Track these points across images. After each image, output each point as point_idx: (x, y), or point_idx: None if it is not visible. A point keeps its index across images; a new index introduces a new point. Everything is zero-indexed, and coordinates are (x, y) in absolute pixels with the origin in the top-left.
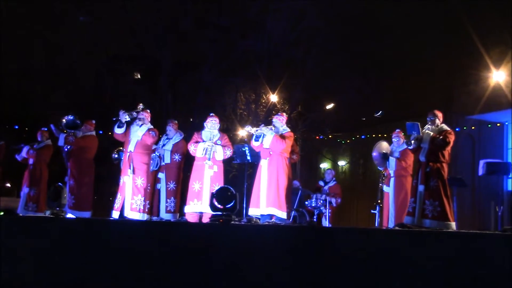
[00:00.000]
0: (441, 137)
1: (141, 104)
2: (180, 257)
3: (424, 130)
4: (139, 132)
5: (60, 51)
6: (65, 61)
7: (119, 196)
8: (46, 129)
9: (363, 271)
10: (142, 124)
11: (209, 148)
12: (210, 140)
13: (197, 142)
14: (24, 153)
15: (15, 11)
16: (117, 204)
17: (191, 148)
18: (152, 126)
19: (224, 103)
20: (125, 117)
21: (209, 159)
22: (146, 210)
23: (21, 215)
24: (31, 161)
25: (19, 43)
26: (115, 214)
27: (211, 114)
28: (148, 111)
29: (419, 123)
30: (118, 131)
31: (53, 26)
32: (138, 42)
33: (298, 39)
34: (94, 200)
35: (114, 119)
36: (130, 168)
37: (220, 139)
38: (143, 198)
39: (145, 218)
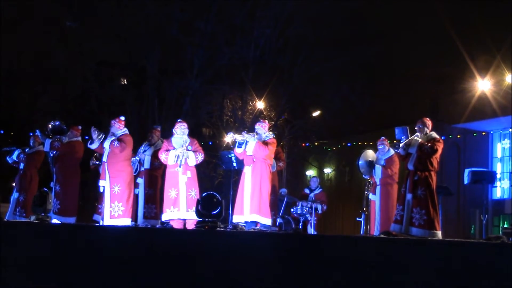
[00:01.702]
0: (429, 144)
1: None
2: (166, 264)
3: (413, 137)
4: (106, 145)
5: (47, 56)
6: (51, 66)
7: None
8: (39, 134)
9: (349, 278)
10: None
11: (181, 155)
12: (181, 146)
13: (168, 150)
14: (15, 157)
15: (2, 15)
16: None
17: (162, 156)
18: (123, 134)
19: (210, 110)
20: (97, 136)
21: (180, 166)
22: (127, 215)
23: (6, 220)
24: (21, 165)
25: (6, 48)
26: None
27: (178, 120)
28: (122, 118)
29: (408, 127)
30: (92, 147)
31: (41, 31)
32: (125, 48)
33: (284, 46)
34: (79, 206)
35: (86, 137)
36: (104, 179)
37: (191, 145)
38: (120, 204)
39: (128, 223)
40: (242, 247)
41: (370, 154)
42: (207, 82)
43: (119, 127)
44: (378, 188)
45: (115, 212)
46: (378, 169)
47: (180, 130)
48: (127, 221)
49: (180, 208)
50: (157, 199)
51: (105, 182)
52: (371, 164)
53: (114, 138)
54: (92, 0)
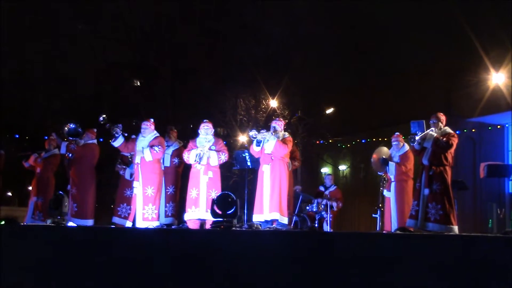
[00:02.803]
0: (444, 139)
1: (103, 115)
2: (182, 264)
3: (428, 131)
4: (145, 154)
5: (60, 59)
6: (65, 69)
7: (131, 206)
8: (55, 137)
9: (366, 275)
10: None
11: (201, 153)
12: (203, 146)
13: (191, 149)
14: (31, 161)
15: (15, 18)
16: (128, 213)
17: (185, 156)
18: (155, 137)
19: (224, 109)
20: (116, 131)
21: (199, 163)
22: (157, 218)
23: (24, 223)
24: (38, 169)
25: (19, 51)
26: (128, 223)
27: (204, 120)
28: (152, 120)
29: (424, 121)
30: (116, 144)
31: (53, 34)
32: (137, 50)
33: (296, 44)
34: (95, 208)
35: (101, 139)
36: (138, 180)
37: (215, 144)
38: (154, 206)
39: (156, 225)
40: (258, 246)
41: (384, 151)
42: (220, 82)
43: (152, 130)
44: (393, 185)
45: (148, 215)
46: (392, 166)
47: (204, 130)
48: (156, 224)
49: (200, 208)
50: (177, 198)
51: (138, 184)
52: (385, 162)
53: (152, 145)
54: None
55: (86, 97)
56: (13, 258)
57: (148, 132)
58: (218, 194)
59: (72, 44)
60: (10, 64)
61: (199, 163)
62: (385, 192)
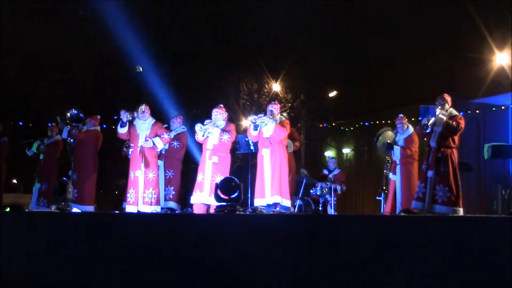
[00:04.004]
0: (454, 122)
1: (143, 105)
2: (186, 249)
3: (437, 114)
4: (156, 142)
5: (61, 46)
6: (66, 55)
7: (132, 190)
8: (57, 123)
9: (371, 257)
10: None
11: (206, 127)
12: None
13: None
14: (34, 149)
15: (16, 6)
16: (132, 199)
17: (196, 135)
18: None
19: (226, 93)
20: (126, 117)
21: (203, 136)
22: (157, 202)
23: (29, 210)
24: (41, 156)
25: (20, 38)
26: (131, 208)
27: (219, 105)
28: (147, 106)
29: (434, 106)
30: (122, 130)
31: (55, 20)
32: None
33: (298, 27)
34: (98, 194)
35: (115, 117)
36: (142, 162)
37: (225, 127)
38: (154, 191)
39: (158, 210)
40: (262, 230)
41: (388, 135)
42: (221, 65)
43: (149, 114)
44: (398, 168)
45: (148, 199)
46: (397, 150)
47: (214, 116)
48: (158, 208)
49: (204, 192)
50: (177, 182)
51: (140, 168)
52: (390, 146)
53: (159, 134)
54: None
55: (87, 83)
56: (19, 245)
57: (147, 115)
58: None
59: (75, 29)
60: (12, 51)
61: (203, 136)
62: (390, 175)
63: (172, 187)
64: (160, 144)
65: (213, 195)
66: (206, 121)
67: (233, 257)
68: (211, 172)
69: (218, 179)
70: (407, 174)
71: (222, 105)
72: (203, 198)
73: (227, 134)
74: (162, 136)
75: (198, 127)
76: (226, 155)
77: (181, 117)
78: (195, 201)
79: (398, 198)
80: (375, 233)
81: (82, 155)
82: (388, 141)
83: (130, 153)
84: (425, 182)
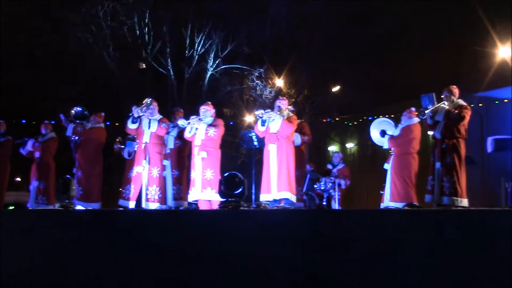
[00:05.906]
0: (456, 111)
1: (149, 98)
2: (191, 245)
3: (439, 104)
4: (152, 127)
5: (65, 42)
6: (70, 52)
7: (132, 186)
8: (51, 121)
9: (375, 252)
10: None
11: (191, 122)
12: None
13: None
14: (29, 147)
15: (19, 4)
16: (131, 194)
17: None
18: (161, 117)
19: (230, 89)
20: (138, 112)
21: (189, 132)
22: (160, 200)
23: (31, 208)
24: (37, 154)
25: (24, 35)
26: (131, 204)
27: (206, 102)
28: (155, 102)
29: (434, 94)
30: (132, 126)
31: (57, 17)
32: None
33: (301, 23)
34: (103, 191)
35: (130, 114)
36: (145, 159)
37: (212, 122)
38: (157, 188)
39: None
40: (267, 225)
41: (383, 125)
42: (225, 62)
43: (157, 111)
44: (391, 158)
45: (151, 196)
46: (386, 138)
47: (202, 113)
48: (162, 206)
49: (195, 188)
50: (184, 180)
51: (142, 164)
52: (383, 134)
53: (160, 117)
54: None
55: (91, 80)
56: (23, 244)
57: (155, 112)
58: (225, 174)
59: (78, 27)
60: (15, 48)
61: (190, 132)
62: (385, 165)
63: (181, 186)
64: (154, 127)
65: (205, 191)
66: (191, 117)
67: (238, 253)
68: (201, 167)
69: (209, 175)
70: (399, 165)
71: (209, 102)
72: (194, 195)
73: (213, 128)
74: (160, 123)
75: (181, 122)
76: (215, 150)
77: (182, 111)
78: (191, 198)
79: (386, 189)
80: (379, 227)
81: (86, 152)
82: (383, 129)
83: (126, 150)
84: (433, 175)
